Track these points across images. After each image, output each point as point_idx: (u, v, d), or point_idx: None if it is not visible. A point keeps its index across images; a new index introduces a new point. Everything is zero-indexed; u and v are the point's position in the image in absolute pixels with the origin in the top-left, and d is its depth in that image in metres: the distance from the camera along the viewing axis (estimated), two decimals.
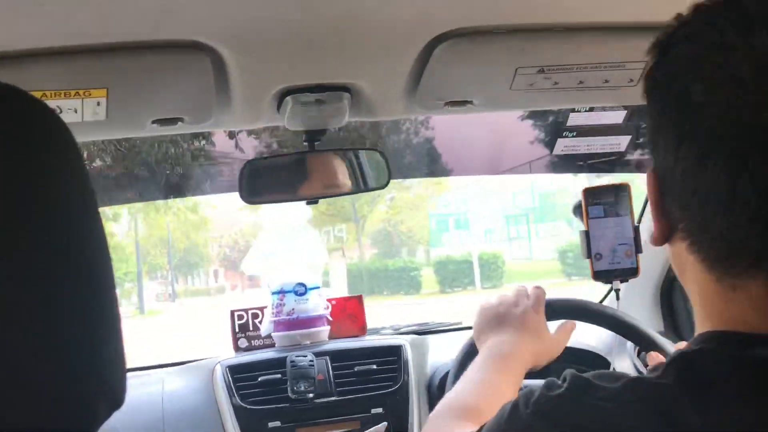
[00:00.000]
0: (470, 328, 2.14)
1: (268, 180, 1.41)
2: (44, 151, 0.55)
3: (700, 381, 0.65)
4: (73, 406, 0.53)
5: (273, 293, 1.83)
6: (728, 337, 0.67)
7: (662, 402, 0.65)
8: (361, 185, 1.51)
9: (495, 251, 14.95)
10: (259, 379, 1.65)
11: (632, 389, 0.66)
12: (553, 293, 1.50)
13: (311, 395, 1.62)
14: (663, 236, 0.73)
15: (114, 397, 0.55)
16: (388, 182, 1.51)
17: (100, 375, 0.54)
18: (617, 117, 1.60)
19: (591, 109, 1.56)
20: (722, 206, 0.64)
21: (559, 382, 0.71)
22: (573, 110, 1.56)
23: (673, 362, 0.67)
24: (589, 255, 1.60)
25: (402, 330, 2.08)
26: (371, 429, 1.58)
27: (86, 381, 0.53)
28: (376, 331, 2.04)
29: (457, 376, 1.46)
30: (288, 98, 1.26)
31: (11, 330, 0.51)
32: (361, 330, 1.95)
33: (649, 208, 1.92)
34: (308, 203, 1.50)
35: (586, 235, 1.59)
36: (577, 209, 1.63)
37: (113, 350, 0.55)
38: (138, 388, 1.73)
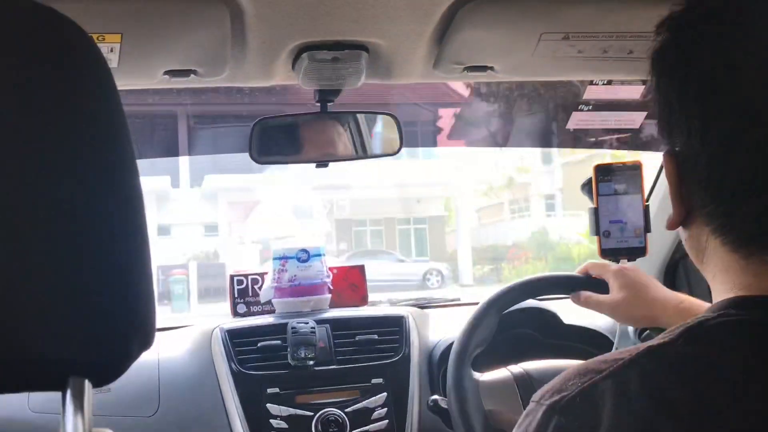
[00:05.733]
0: (469, 304, 2.14)
1: (278, 140, 1.38)
2: (78, 73, 0.52)
3: (722, 345, 0.63)
4: (107, 342, 0.52)
5: (275, 258, 1.80)
6: (755, 300, 0.65)
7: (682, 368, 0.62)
8: (372, 150, 1.48)
9: None
10: (259, 345, 1.62)
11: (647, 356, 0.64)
12: None
13: (311, 362, 1.59)
14: (680, 221, 0.71)
15: (146, 336, 0.54)
16: (400, 149, 1.48)
17: (133, 312, 0.53)
18: (634, 92, 1.57)
19: (609, 83, 1.53)
20: (755, 189, 0.62)
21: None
22: (591, 83, 1.53)
23: (691, 329, 0.65)
24: (597, 232, 1.59)
25: (401, 303, 2.05)
26: None
27: (119, 317, 0.52)
28: (374, 303, 2.02)
29: (461, 351, 1.44)
30: (304, 55, 1.22)
31: (42, 260, 0.48)
32: (362, 300, 1.92)
33: (658, 187, 1.90)
34: (318, 166, 1.46)
35: (596, 212, 1.57)
36: (587, 186, 1.61)
37: (144, 288, 0.54)
38: None
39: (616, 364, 0.64)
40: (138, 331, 0.53)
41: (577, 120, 1.65)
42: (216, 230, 15.18)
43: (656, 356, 0.64)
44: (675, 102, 0.67)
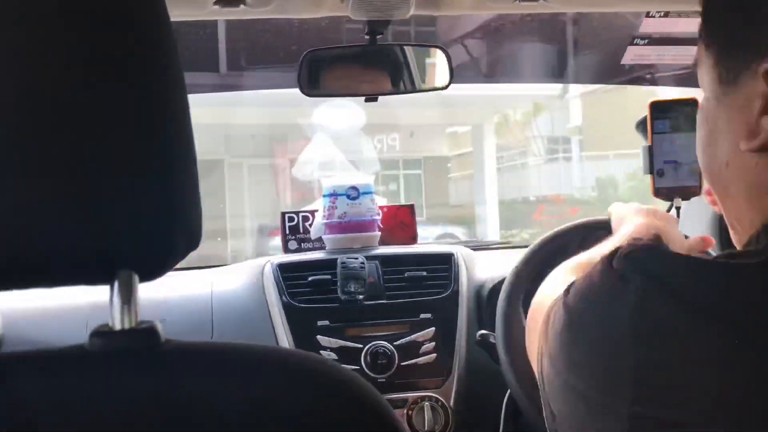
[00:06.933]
0: (519, 246, 2.14)
1: (327, 72, 1.38)
2: None
3: None
4: (153, 237, 0.53)
5: (325, 195, 1.81)
6: None
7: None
8: (421, 84, 1.48)
9: None
10: (309, 279, 1.65)
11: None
12: None
13: (361, 297, 1.62)
14: None
15: (192, 236, 0.56)
16: (449, 83, 1.47)
17: (179, 210, 0.55)
18: (692, 25, 1.52)
19: (666, 15, 1.49)
20: None
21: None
22: (647, 15, 1.49)
23: None
24: (651, 171, 1.56)
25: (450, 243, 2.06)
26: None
27: (165, 214, 0.54)
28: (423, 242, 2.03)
29: (510, 290, 1.44)
30: None
31: (91, 159, 0.51)
32: (412, 239, 1.93)
33: None
34: (367, 100, 1.47)
35: (650, 150, 1.55)
36: (642, 124, 1.58)
37: (190, 190, 0.56)
38: (186, 287, 1.74)
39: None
40: (184, 229, 0.55)
41: (633, 55, 1.61)
42: None
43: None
44: None
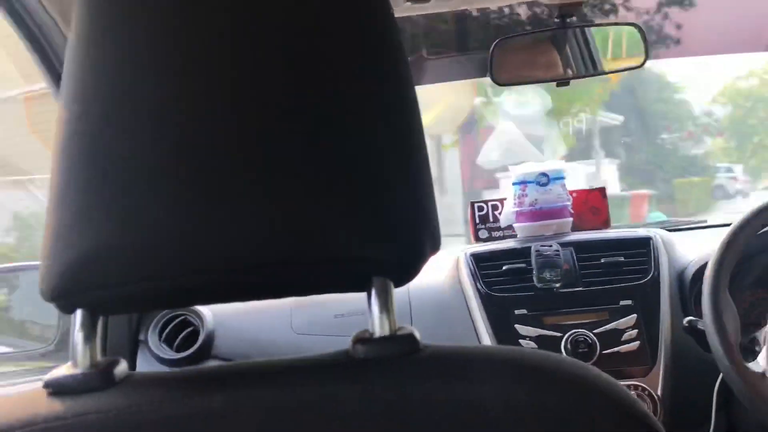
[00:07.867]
0: (717, 226, 2.02)
1: (519, 59, 1.37)
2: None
3: None
4: (405, 243, 0.54)
5: (514, 183, 1.80)
6: None
7: None
8: (615, 64, 1.43)
9: None
10: (504, 268, 1.64)
11: None
12: None
13: (557, 284, 1.59)
14: None
15: (435, 238, 0.56)
16: (645, 61, 1.42)
17: (425, 213, 0.55)
18: None
19: None
20: None
21: None
22: None
23: None
24: None
25: (644, 226, 1.99)
26: None
27: (414, 219, 0.54)
28: (616, 227, 1.96)
29: (717, 272, 1.37)
30: None
31: (348, 168, 0.52)
32: (604, 223, 1.88)
33: None
34: (558, 85, 1.44)
35: None
36: None
37: (431, 193, 0.56)
38: None
39: None
40: (429, 232, 0.55)
41: None
42: None
43: None
44: None
